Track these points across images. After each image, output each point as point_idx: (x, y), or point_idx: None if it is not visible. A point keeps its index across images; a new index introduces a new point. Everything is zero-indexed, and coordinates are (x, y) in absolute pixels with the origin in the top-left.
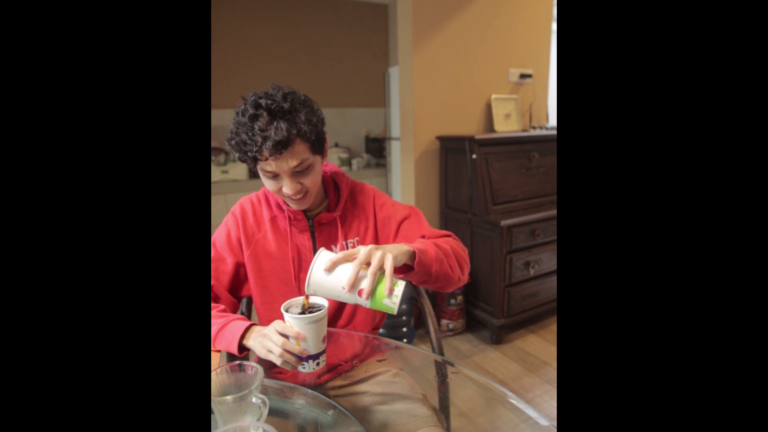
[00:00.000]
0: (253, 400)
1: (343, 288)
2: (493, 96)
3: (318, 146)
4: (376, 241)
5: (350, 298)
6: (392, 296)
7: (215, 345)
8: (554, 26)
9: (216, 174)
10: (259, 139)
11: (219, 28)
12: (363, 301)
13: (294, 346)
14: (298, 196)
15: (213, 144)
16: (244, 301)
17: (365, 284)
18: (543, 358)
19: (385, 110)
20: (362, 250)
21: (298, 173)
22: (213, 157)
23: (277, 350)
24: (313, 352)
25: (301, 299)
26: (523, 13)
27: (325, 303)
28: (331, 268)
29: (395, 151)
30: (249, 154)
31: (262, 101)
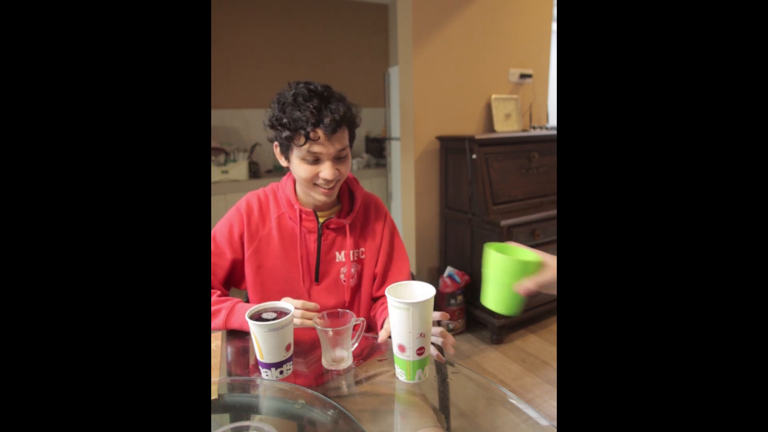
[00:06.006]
0: None
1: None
2: (493, 96)
3: (351, 141)
4: (377, 257)
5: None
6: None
7: (229, 324)
8: (554, 26)
9: (216, 174)
10: (313, 118)
11: (219, 28)
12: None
13: (310, 304)
14: (332, 184)
15: (213, 144)
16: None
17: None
18: (543, 358)
19: (385, 110)
20: None
21: (337, 159)
22: (213, 157)
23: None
24: (275, 360)
25: (272, 304)
26: (523, 13)
27: (291, 309)
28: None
29: (395, 151)
30: (302, 131)
31: (313, 87)
